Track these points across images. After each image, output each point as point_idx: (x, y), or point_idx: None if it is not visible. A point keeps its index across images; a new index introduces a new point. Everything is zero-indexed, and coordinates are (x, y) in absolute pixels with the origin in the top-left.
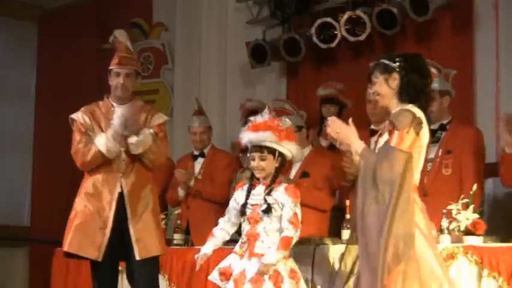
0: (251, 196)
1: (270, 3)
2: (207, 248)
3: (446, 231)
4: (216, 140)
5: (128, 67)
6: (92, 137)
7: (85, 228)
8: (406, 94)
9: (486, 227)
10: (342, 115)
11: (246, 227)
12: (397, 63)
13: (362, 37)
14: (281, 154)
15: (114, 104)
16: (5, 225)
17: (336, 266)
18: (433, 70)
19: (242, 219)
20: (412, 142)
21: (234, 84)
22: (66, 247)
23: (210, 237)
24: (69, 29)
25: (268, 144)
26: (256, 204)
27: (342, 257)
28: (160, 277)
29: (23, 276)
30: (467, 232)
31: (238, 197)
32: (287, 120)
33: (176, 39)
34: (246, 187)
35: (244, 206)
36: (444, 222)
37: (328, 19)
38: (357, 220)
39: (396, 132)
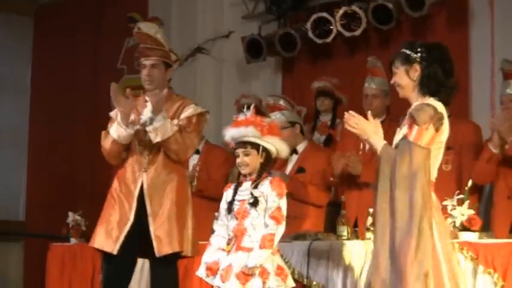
0: (238, 192)
1: None
2: (208, 259)
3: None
4: (211, 136)
5: (152, 58)
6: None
7: (105, 223)
8: (426, 87)
9: (481, 223)
10: (336, 110)
11: (232, 224)
12: (419, 54)
13: (357, 32)
14: (265, 149)
15: (147, 98)
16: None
17: (331, 261)
18: None
19: (230, 217)
20: (431, 138)
21: (230, 79)
22: (90, 242)
23: (208, 246)
24: (65, 24)
25: (250, 139)
26: (244, 200)
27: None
28: None
29: (18, 271)
30: (463, 228)
31: (226, 196)
32: (278, 115)
33: (171, 34)
34: (233, 186)
35: (231, 203)
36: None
37: (324, 14)
38: (375, 216)
39: (416, 127)
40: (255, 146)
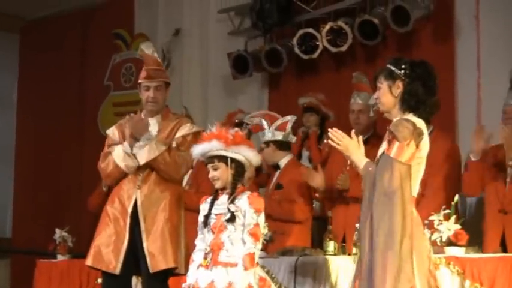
0: (215, 206)
1: (252, 14)
2: (192, 278)
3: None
4: None
5: (157, 80)
6: (111, 150)
7: (102, 241)
8: (407, 103)
9: (468, 238)
10: (324, 126)
11: (209, 237)
12: (403, 71)
13: (344, 48)
14: (234, 160)
15: (143, 117)
16: None
17: (318, 276)
18: None
19: (206, 230)
20: (412, 154)
21: (216, 95)
22: (86, 261)
23: (191, 263)
24: (51, 40)
25: (215, 153)
26: (221, 214)
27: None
28: None
29: None
30: (449, 243)
31: (203, 210)
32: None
33: (158, 50)
34: (209, 199)
35: (207, 216)
36: (426, 233)
37: (310, 30)
38: (360, 232)
39: (396, 144)
40: (222, 158)
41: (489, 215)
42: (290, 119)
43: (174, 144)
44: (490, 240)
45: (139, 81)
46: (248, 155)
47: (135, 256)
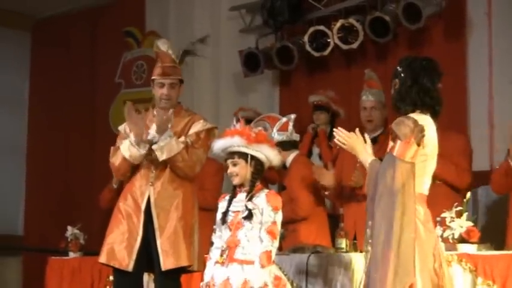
0: (233, 203)
1: (263, 11)
2: (208, 275)
3: (440, 239)
4: None
5: (171, 77)
6: (119, 144)
7: (115, 238)
8: (398, 101)
9: (480, 235)
10: (335, 123)
11: (226, 234)
12: (401, 69)
13: (355, 45)
14: (254, 158)
15: (155, 113)
16: None
17: (330, 273)
18: None
19: (224, 227)
20: (415, 152)
21: (227, 92)
22: (99, 258)
23: (208, 260)
24: (62, 38)
25: (236, 149)
26: (238, 211)
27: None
28: None
29: (16, 286)
30: (461, 240)
31: (221, 207)
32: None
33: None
34: (228, 197)
35: (225, 213)
36: (438, 230)
37: (321, 27)
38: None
39: (399, 142)
40: (243, 155)
41: None
42: (290, 118)
43: (188, 141)
44: (511, 237)
45: (153, 77)
46: (269, 154)
47: (147, 253)
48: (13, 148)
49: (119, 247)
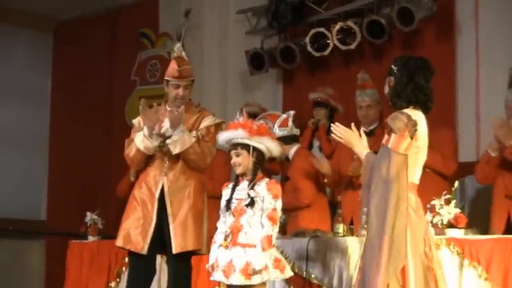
0: (236, 191)
1: (268, 14)
2: (213, 257)
3: (430, 224)
4: None
5: (186, 79)
6: (133, 137)
7: (131, 224)
8: (395, 97)
9: (467, 221)
10: (333, 118)
11: (229, 220)
12: (396, 67)
13: (353, 46)
14: (256, 149)
15: (168, 108)
16: (23, 219)
17: (328, 256)
18: None
19: (227, 214)
20: (408, 144)
21: (234, 89)
22: (116, 242)
23: (212, 244)
24: (81, 39)
25: (239, 140)
26: (241, 199)
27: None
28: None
29: (40, 267)
30: (450, 225)
31: (225, 195)
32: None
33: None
34: (231, 185)
35: (229, 201)
36: (428, 216)
37: (321, 29)
38: (362, 216)
39: (393, 135)
40: (245, 146)
41: (496, 200)
42: (290, 114)
43: (199, 135)
44: (496, 223)
45: (168, 78)
46: (270, 146)
47: (160, 237)
48: (37, 141)
49: (135, 232)
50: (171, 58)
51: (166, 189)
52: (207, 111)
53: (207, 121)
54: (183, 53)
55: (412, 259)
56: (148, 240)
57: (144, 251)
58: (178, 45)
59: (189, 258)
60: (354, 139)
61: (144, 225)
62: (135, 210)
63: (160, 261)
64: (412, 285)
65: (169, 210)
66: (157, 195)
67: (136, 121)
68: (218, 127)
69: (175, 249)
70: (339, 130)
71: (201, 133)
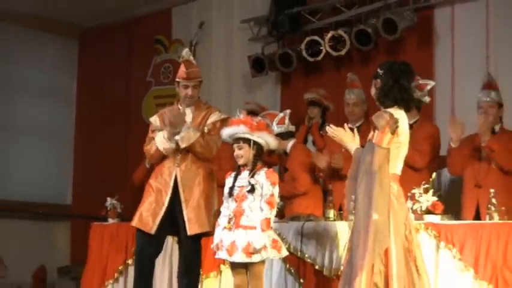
0: (238, 180)
1: (268, 23)
2: (217, 238)
3: (410, 210)
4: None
5: (194, 80)
6: (154, 136)
7: (144, 207)
8: (377, 96)
9: (443, 208)
10: (325, 116)
11: (232, 205)
12: (382, 71)
13: (343, 52)
14: (256, 143)
15: (180, 107)
16: (51, 204)
17: (320, 237)
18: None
19: (230, 200)
20: (390, 140)
21: (238, 90)
22: (131, 223)
23: (217, 226)
24: (103, 44)
25: (241, 135)
26: (242, 186)
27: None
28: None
29: (66, 246)
30: (428, 212)
31: (228, 183)
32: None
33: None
34: (233, 174)
35: (232, 188)
36: (409, 203)
37: (315, 37)
38: (349, 203)
39: (377, 132)
40: (246, 140)
41: (466, 189)
42: (286, 113)
43: (206, 130)
44: (467, 209)
45: (178, 79)
46: (268, 140)
47: (172, 221)
48: (64, 134)
49: (146, 214)
50: (181, 62)
51: (179, 178)
52: (213, 108)
53: (214, 117)
54: (191, 57)
55: (394, 242)
56: (157, 222)
57: (153, 231)
58: (186, 50)
59: (199, 239)
60: (345, 137)
61: (155, 209)
62: (150, 196)
63: (172, 242)
64: (394, 265)
65: (182, 197)
66: (171, 183)
67: (153, 119)
68: (224, 122)
69: (189, 231)
70: (333, 129)
71: (208, 127)
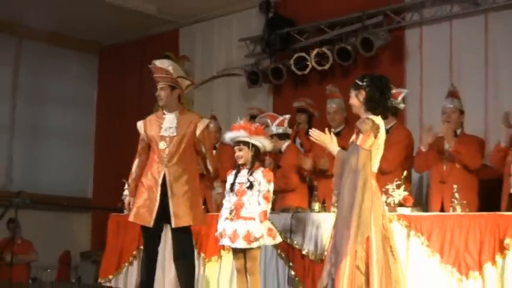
0: (238, 177)
1: (262, 42)
2: (220, 227)
3: (385, 203)
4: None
5: (161, 83)
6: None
7: (140, 204)
8: (367, 105)
9: (413, 201)
10: (311, 122)
11: (233, 199)
12: (365, 83)
13: (326, 67)
14: (254, 145)
15: (165, 112)
16: (74, 197)
17: (307, 227)
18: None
19: (231, 194)
20: (372, 142)
21: (236, 99)
22: (129, 218)
23: (220, 217)
24: (120, 59)
25: (241, 139)
26: (242, 183)
27: None
28: None
29: (87, 234)
30: (400, 204)
31: (229, 179)
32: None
33: (195, 66)
34: (234, 172)
35: (233, 184)
36: (383, 197)
37: (303, 54)
38: (335, 197)
39: (361, 135)
40: (246, 143)
41: (432, 185)
42: (286, 117)
43: (199, 137)
44: (433, 203)
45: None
46: (264, 143)
47: (164, 213)
48: (85, 136)
49: (142, 210)
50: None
51: (167, 177)
52: (195, 114)
53: (202, 125)
54: (170, 68)
55: (374, 231)
56: (153, 216)
57: (151, 225)
58: (161, 60)
59: (188, 229)
60: (327, 140)
61: (149, 205)
62: (143, 194)
63: (165, 230)
64: (374, 251)
65: (169, 194)
66: (160, 182)
67: (138, 125)
68: (207, 129)
69: (174, 224)
70: (316, 134)
71: (199, 137)
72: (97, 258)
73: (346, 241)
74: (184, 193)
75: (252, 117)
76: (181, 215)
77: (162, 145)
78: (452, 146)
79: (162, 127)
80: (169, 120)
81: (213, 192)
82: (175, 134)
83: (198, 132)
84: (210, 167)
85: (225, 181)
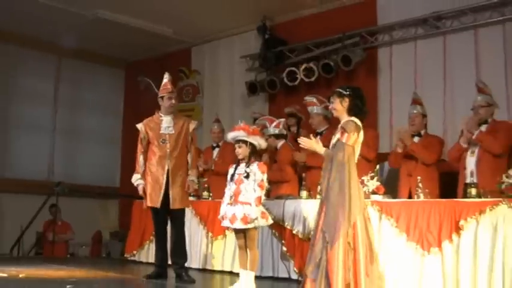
0: (238, 169)
1: (259, 59)
2: (222, 211)
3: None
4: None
5: (174, 93)
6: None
7: (151, 191)
8: (352, 111)
9: (384, 190)
10: (300, 124)
11: (233, 187)
12: (348, 92)
13: (313, 79)
14: (251, 144)
15: (162, 115)
16: (105, 186)
17: (297, 211)
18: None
19: (232, 183)
20: (355, 140)
21: (238, 106)
22: (146, 203)
23: (222, 203)
24: (143, 73)
25: (241, 138)
26: (240, 173)
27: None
28: (196, 218)
29: (115, 219)
30: (373, 193)
31: (230, 171)
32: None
33: (205, 79)
34: (234, 165)
35: (233, 175)
36: (360, 187)
37: (293, 68)
38: (324, 187)
39: (346, 134)
40: (244, 141)
41: (401, 177)
42: (281, 120)
43: (190, 135)
44: (402, 192)
45: (163, 94)
46: (260, 141)
47: (166, 197)
48: (114, 137)
49: (153, 194)
50: (167, 81)
51: (170, 169)
52: (185, 117)
53: (193, 125)
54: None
55: (358, 214)
56: (160, 199)
57: (158, 205)
58: (167, 74)
59: (183, 211)
60: (313, 144)
61: (157, 190)
62: (152, 182)
63: None
64: (359, 231)
65: (170, 182)
66: (164, 172)
67: (139, 126)
68: (194, 130)
69: (172, 206)
70: (303, 141)
71: (191, 135)
72: (124, 237)
73: (342, 222)
74: (180, 182)
75: (255, 120)
76: (178, 200)
77: (163, 142)
78: (409, 146)
79: (162, 127)
80: (167, 121)
81: (188, 179)
82: (173, 131)
83: (190, 129)
84: (189, 159)
85: (226, 173)
